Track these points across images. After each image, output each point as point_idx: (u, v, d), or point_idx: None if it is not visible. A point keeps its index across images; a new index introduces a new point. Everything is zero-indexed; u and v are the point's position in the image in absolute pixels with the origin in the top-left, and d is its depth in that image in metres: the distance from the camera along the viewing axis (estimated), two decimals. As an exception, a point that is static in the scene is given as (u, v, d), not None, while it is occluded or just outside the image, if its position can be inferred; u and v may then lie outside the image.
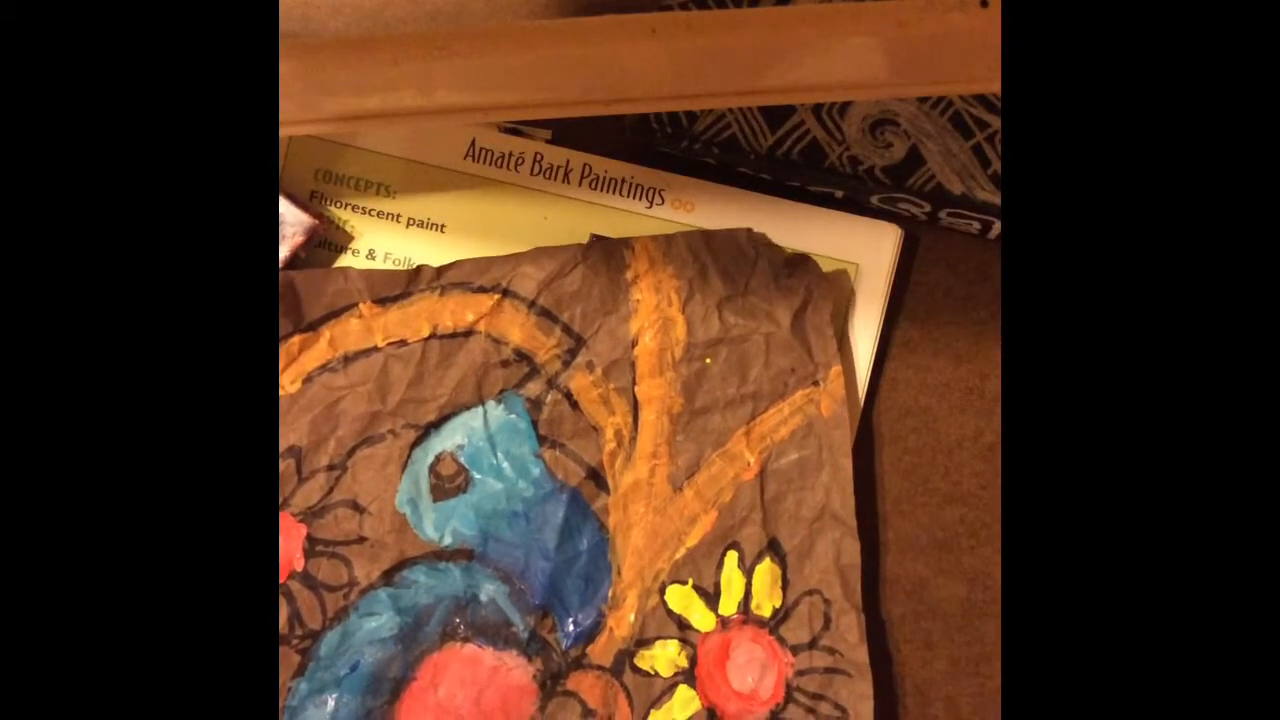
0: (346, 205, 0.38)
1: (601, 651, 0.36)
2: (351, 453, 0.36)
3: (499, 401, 0.36)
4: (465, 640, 0.35)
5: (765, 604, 0.36)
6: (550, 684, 0.35)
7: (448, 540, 0.36)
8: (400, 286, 0.37)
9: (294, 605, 0.35)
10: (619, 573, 0.36)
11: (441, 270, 0.37)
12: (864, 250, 0.37)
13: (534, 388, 0.36)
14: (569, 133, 0.39)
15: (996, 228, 0.37)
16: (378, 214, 0.38)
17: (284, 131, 0.30)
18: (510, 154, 0.38)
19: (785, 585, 0.36)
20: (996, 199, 0.36)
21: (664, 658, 0.36)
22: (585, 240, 0.37)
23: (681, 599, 0.36)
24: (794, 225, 0.37)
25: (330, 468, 0.36)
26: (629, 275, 0.37)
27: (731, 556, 0.36)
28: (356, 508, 0.36)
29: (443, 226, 0.38)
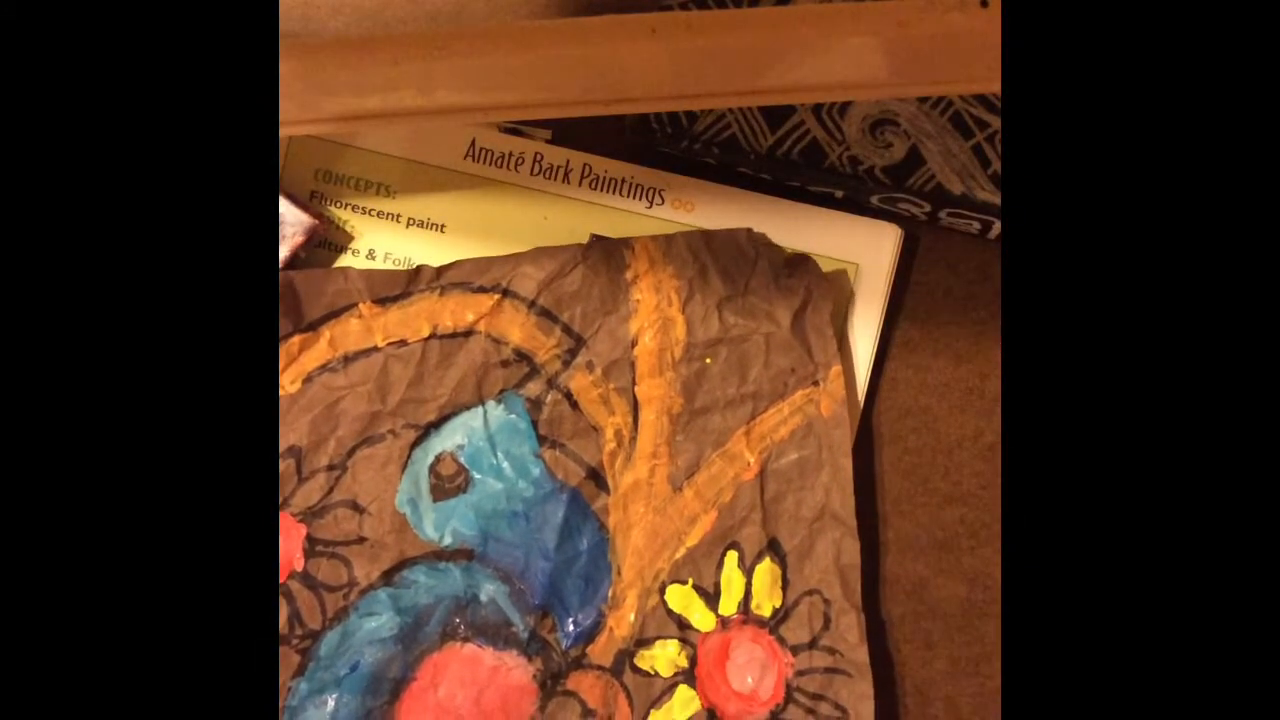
0: (346, 205, 0.38)
1: (601, 651, 0.36)
2: (351, 453, 0.36)
3: (499, 401, 0.36)
4: (465, 640, 0.35)
5: (765, 604, 0.36)
6: (550, 684, 0.35)
7: (448, 540, 0.36)
8: (400, 286, 0.37)
9: (294, 605, 0.35)
10: (619, 573, 0.36)
11: (441, 270, 0.37)
12: (864, 250, 0.37)
13: (534, 388, 0.36)
14: (569, 133, 0.39)
15: (996, 228, 0.37)
16: (378, 214, 0.38)
17: (284, 131, 0.30)
18: (510, 154, 0.38)
19: (785, 585, 0.36)
20: (996, 199, 0.36)
21: (664, 658, 0.36)
22: (585, 240, 0.37)
23: (681, 599, 0.36)
24: (794, 225, 0.37)
25: (330, 468, 0.36)
26: (629, 275, 0.37)
27: (731, 556, 0.36)
28: (356, 508, 0.36)
29: (443, 226, 0.38)
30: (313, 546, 0.36)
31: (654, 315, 0.36)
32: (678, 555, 0.36)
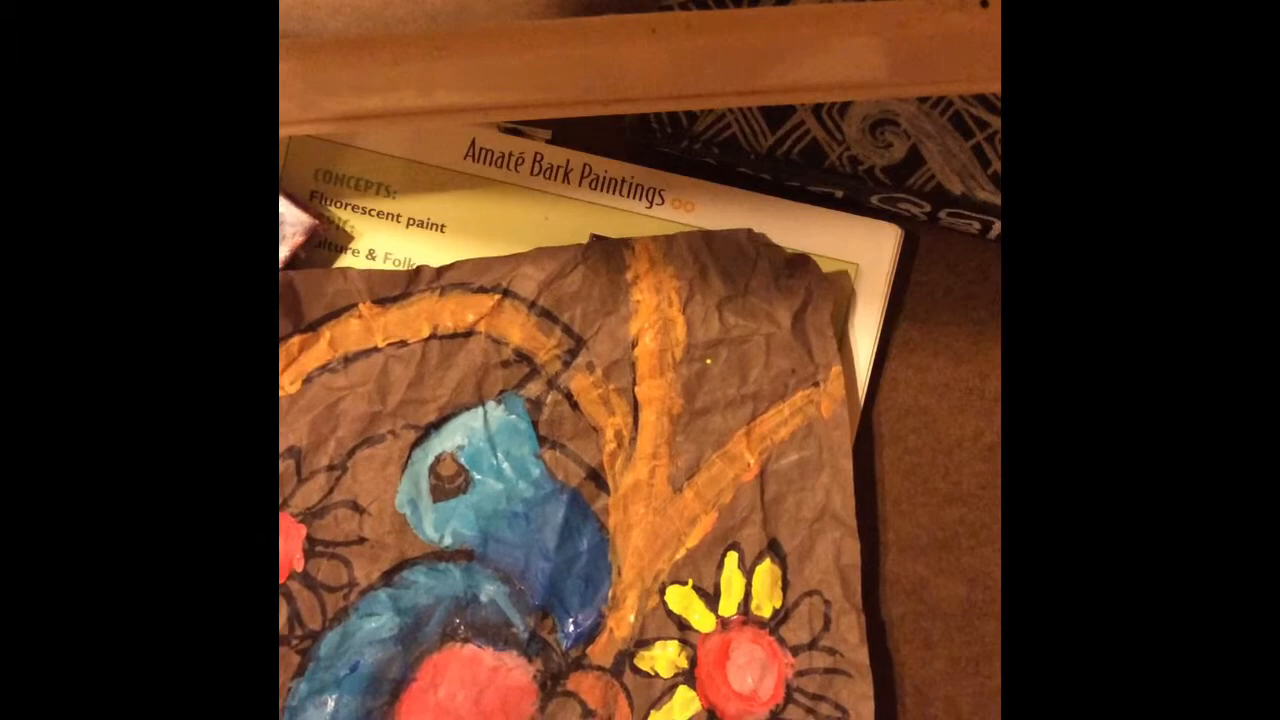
0: (346, 205, 0.38)
1: (601, 652, 0.36)
2: (351, 453, 0.36)
3: (499, 402, 0.36)
4: (465, 641, 0.35)
5: (765, 605, 0.36)
6: (550, 684, 0.35)
7: (448, 541, 0.36)
8: (400, 287, 0.37)
9: (294, 606, 0.35)
10: (619, 573, 0.36)
11: (442, 271, 0.37)
12: (864, 250, 0.37)
13: (534, 388, 0.36)
14: (569, 133, 0.39)
15: (996, 228, 0.37)
16: (378, 214, 0.38)
17: (284, 131, 0.30)
18: (510, 154, 0.38)
19: (785, 586, 0.36)
20: (996, 199, 0.36)
21: (664, 658, 0.36)
22: (585, 240, 0.37)
23: (681, 600, 0.36)
24: (794, 225, 0.37)
25: (330, 468, 0.36)
26: (629, 276, 0.37)
27: (732, 557, 0.36)
28: (356, 508, 0.36)
29: (443, 227, 0.38)
30: (313, 547, 0.36)
31: (654, 316, 0.36)
32: (678, 556, 0.36)
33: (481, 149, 0.38)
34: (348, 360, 0.36)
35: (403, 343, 0.36)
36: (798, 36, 0.28)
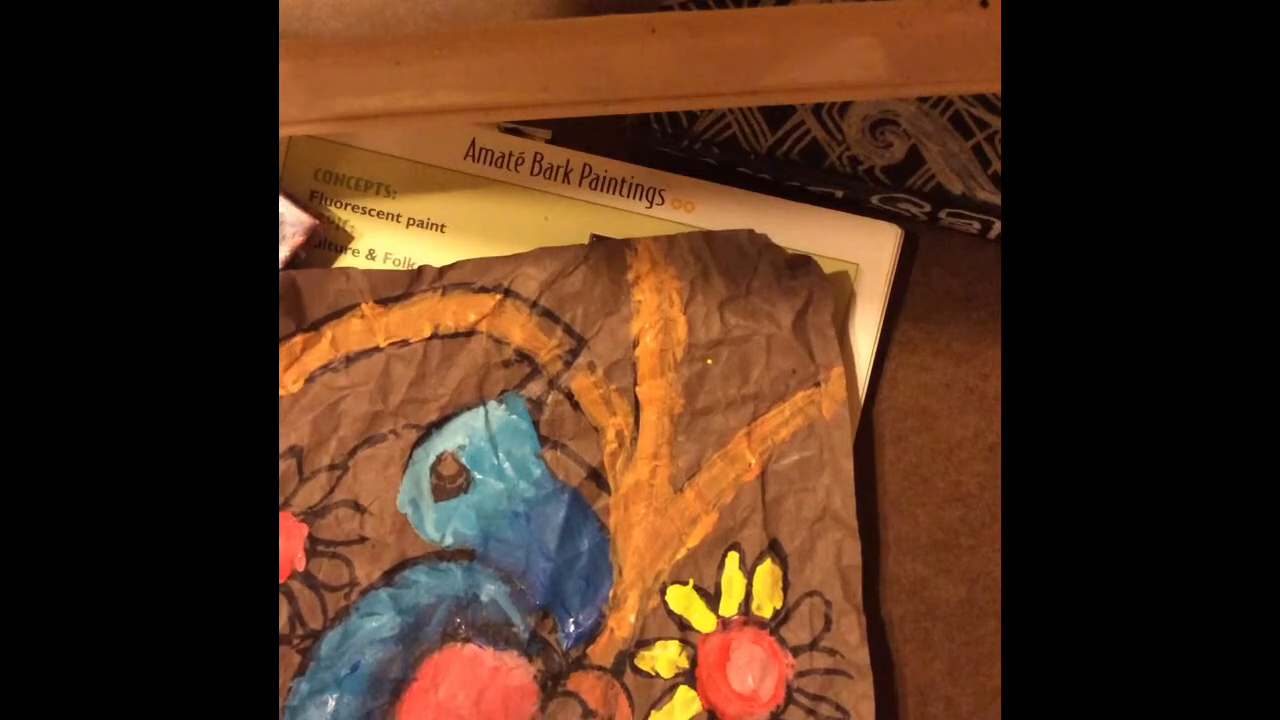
0: (346, 205, 0.38)
1: (602, 652, 0.36)
2: (353, 453, 0.36)
3: (500, 402, 0.36)
4: (466, 641, 0.35)
5: (766, 605, 0.36)
6: (551, 684, 0.35)
7: (449, 540, 0.36)
8: (402, 287, 0.37)
9: (295, 605, 0.35)
10: (620, 573, 0.36)
11: (443, 270, 0.37)
12: (864, 250, 0.37)
13: (535, 388, 0.36)
14: (569, 133, 0.39)
15: (996, 228, 0.37)
16: (378, 214, 0.38)
17: (284, 131, 0.31)
18: (510, 154, 0.38)
19: (786, 586, 0.36)
20: (996, 199, 0.36)
21: (665, 658, 0.36)
22: (586, 240, 0.37)
23: (682, 600, 0.36)
24: (794, 225, 0.37)
25: (332, 468, 0.36)
26: (630, 276, 0.37)
27: (732, 557, 0.36)
28: (358, 508, 0.36)
29: (443, 227, 0.38)
30: (314, 546, 0.36)
31: (655, 316, 0.36)
32: (679, 556, 0.36)
33: (481, 149, 0.38)
34: (349, 360, 0.36)
35: (404, 342, 0.36)
36: (798, 36, 0.28)
